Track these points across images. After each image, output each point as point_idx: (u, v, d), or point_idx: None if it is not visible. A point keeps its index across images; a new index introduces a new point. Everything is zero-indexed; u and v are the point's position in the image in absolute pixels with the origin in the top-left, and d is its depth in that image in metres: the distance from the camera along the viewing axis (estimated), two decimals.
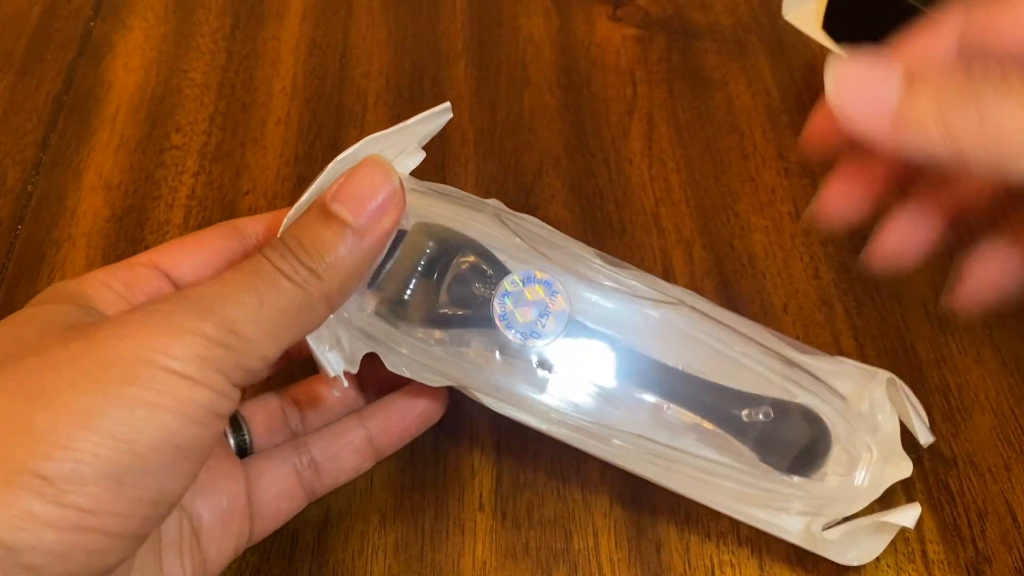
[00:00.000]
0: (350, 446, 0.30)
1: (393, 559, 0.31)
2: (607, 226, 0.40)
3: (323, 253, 0.24)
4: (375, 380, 0.31)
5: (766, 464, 0.30)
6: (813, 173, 0.42)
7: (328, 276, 0.24)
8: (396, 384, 0.30)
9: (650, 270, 0.38)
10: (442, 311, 0.29)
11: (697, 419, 0.30)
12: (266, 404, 0.31)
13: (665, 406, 0.30)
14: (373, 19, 0.49)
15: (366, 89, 0.45)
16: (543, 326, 0.29)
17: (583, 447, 0.29)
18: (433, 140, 0.43)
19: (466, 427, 0.34)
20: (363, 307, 0.29)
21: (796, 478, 0.30)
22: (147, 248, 0.39)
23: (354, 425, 0.30)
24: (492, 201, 0.31)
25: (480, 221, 0.30)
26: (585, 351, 0.30)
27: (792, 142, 0.44)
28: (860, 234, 0.40)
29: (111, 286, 0.26)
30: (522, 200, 0.41)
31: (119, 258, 0.38)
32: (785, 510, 0.30)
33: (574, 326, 0.30)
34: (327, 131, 0.44)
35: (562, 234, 0.31)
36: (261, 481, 0.28)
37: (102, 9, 0.49)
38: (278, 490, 0.29)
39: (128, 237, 0.39)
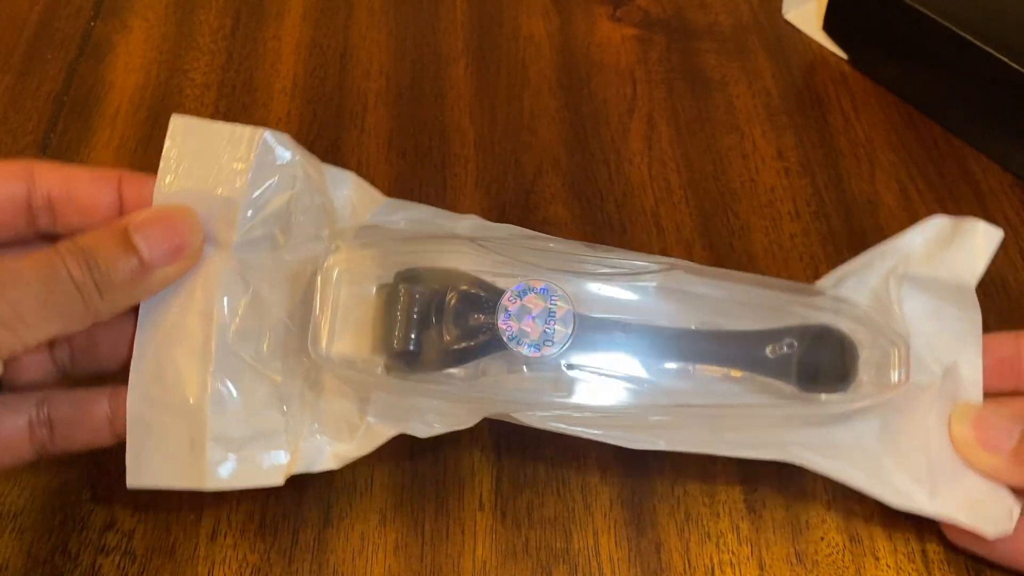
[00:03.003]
0: (89, 420, 0.29)
1: (393, 559, 0.31)
2: (607, 226, 0.40)
3: (111, 274, 0.26)
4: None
5: (808, 393, 0.30)
6: (812, 173, 0.42)
7: (107, 296, 0.26)
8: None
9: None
10: (453, 348, 0.29)
11: (725, 370, 0.31)
12: None
13: (691, 368, 0.30)
14: (373, 19, 0.49)
15: (366, 89, 0.45)
16: (553, 332, 0.29)
17: (629, 443, 0.30)
18: (433, 140, 0.44)
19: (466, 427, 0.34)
20: (375, 379, 0.29)
21: (835, 395, 0.30)
22: None
23: (102, 399, 0.29)
24: (469, 217, 0.31)
25: (458, 250, 0.30)
26: (601, 341, 0.30)
27: (792, 142, 0.44)
28: (860, 234, 0.40)
29: None
30: (522, 200, 0.41)
31: None
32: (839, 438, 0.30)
33: (582, 322, 0.30)
34: (327, 131, 0.44)
35: (542, 235, 0.32)
36: None
37: (102, 9, 0.49)
38: (6, 441, 0.28)
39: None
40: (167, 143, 0.29)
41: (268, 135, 0.29)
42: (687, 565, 0.31)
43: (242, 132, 0.29)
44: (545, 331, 0.29)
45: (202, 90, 0.45)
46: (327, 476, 0.33)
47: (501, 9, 0.50)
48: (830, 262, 0.39)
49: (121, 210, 0.29)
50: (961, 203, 0.41)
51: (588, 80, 0.46)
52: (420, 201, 0.40)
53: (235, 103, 0.45)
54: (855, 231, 0.40)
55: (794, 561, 0.31)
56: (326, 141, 0.43)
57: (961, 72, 0.42)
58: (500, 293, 0.29)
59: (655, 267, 0.31)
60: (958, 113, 0.44)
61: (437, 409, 0.30)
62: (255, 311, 0.29)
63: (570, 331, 0.29)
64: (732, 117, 0.45)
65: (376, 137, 0.43)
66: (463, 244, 0.31)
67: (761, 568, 0.31)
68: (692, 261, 0.39)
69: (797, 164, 0.43)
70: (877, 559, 0.31)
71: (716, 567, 0.31)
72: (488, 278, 0.30)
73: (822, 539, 0.32)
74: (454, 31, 0.49)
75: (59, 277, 0.25)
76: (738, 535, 0.32)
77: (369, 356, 0.29)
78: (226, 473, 0.28)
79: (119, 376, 0.29)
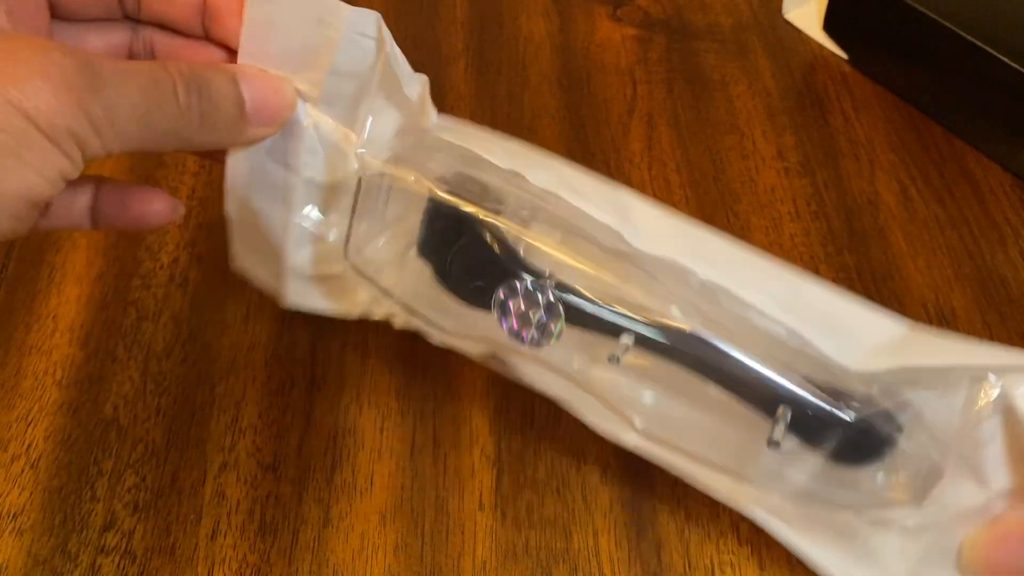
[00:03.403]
0: (75, 205, 0.29)
1: (393, 559, 0.31)
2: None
3: (218, 109, 0.26)
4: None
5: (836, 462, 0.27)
6: (813, 173, 0.42)
7: (205, 129, 0.26)
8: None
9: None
10: (473, 285, 0.30)
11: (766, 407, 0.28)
12: None
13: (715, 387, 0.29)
14: None
15: None
16: (546, 326, 0.29)
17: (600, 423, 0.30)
18: None
19: (466, 427, 0.34)
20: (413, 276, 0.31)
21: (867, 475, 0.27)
22: (147, 248, 0.39)
23: (88, 189, 0.29)
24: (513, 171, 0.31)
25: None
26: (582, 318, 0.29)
27: (792, 142, 0.44)
28: (860, 234, 0.40)
29: None
30: None
31: (120, 258, 0.39)
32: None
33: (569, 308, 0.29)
34: None
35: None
36: None
37: None
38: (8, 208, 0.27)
39: (128, 237, 0.39)
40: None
41: (363, 15, 0.29)
42: (687, 565, 0.31)
43: (337, 4, 0.29)
44: (542, 326, 0.29)
45: None
46: (327, 476, 0.33)
47: (501, 9, 0.50)
48: (830, 262, 0.39)
49: (204, 6, 0.29)
50: (961, 203, 0.41)
51: (588, 80, 0.46)
52: None
53: None
54: (855, 231, 0.40)
55: (794, 561, 0.31)
56: None
57: (961, 72, 0.42)
58: (513, 260, 0.30)
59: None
60: (958, 113, 0.44)
61: (454, 328, 0.31)
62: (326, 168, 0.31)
63: (559, 318, 0.29)
64: (732, 117, 0.45)
65: None
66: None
67: (761, 568, 0.31)
68: None
69: (797, 164, 0.43)
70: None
71: (716, 567, 0.31)
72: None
73: None
74: (454, 31, 0.49)
75: (165, 94, 0.25)
76: (738, 535, 0.32)
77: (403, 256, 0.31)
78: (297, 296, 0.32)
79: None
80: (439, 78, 0.46)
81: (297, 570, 0.31)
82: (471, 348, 0.32)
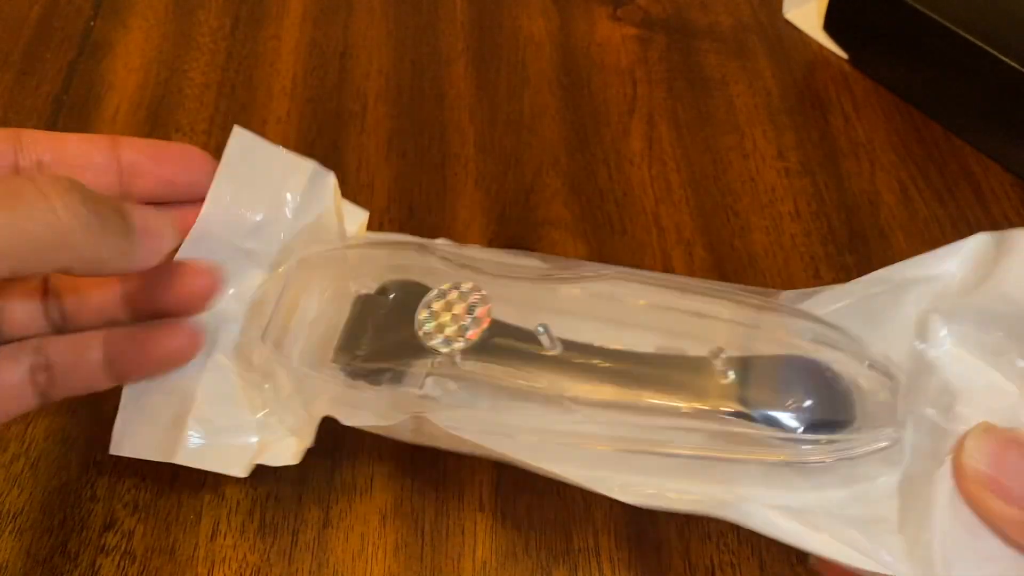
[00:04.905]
0: (87, 364, 0.29)
1: (393, 559, 0.31)
2: (607, 226, 0.40)
3: (104, 219, 0.23)
4: (143, 296, 0.30)
5: (796, 434, 0.26)
6: (813, 173, 0.42)
7: (93, 237, 0.23)
8: (161, 311, 0.29)
9: (650, 270, 0.38)
10: (377, 351, 0.30)
11: (672, 403, 0.27)
12: (26, 288, 0.29)
13: (633, 397, 0.28)
14: (373, 19, 0.49)
15: (366, 89, 0.45)
16: (467, 332, 0.29)
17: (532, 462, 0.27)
18: (433, 140, 0.44)
19: None
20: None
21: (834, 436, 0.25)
22: None
23: (95, 344, 0.29)
24: (439, 241, 0.33)
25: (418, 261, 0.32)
26: (521, 351, 0.29)
27: (792, 142, 0.44)
28: (860, 234, 0.40)
29: None
30: (522, 200, 0.41)
31: None
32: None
33: (503, 329, 0.29)
34: (327, 131, 0.44)
35: (520, 252, 0.32)
36: None
37: (102, 9, 0.49)
38: (9, 389, 0.28)
39: None
40: (228, 149, 0.30)
41: (318, 174, 0.31)
42: (687, 565, 0.31)
43: (298, 162, 0.31)
44: (461, 329, 0.29)
45: (202, 90, 0.45)
46: (327, 476, 0.33)
47: (501, 9, 0.50)
48: (830, 262, 0.39)
49: (120, 172, 0.28)
50: (961, 203, 0.41)
51: (588, 80, 0.46)
52: (420, 201, 0.40)
53: (235, 103, 0.45)
54: (855, 231, 0.40)
55: (794, 561, 0.31)
56: (326, 141, 0.43)
57: (961, 72, 0.42)
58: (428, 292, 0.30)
59: (593, 273, 0.30)
60: (958, 113, 0.44)
61: (371, 406, 0.30)
62: (256, 317, 0.31)
63: (486, 333, 0.29)
64: (732, 117, 0.45)
65: (376, 137, 0.43)
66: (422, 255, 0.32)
67: (761, 568, 0.31)
68: (692, 261, 0.39)
69: (797, 164, 0.43)
70: None
71: (716, 567, 0.31)
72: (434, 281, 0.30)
73: None
74: (454, 31, 0.49)
75: (32, 201, 0.22)
76: (738, 535, 0.32)
77: (328, 361, 0.30)
78: (195, 453, 0.29)
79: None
80: (439, 78, 0.46)
81: (297, 570, 0.31)
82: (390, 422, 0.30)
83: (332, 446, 0.33)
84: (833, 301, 0.28)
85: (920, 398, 0.26)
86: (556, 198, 0.41)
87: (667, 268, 0.39)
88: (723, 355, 0.27)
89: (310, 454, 0.33)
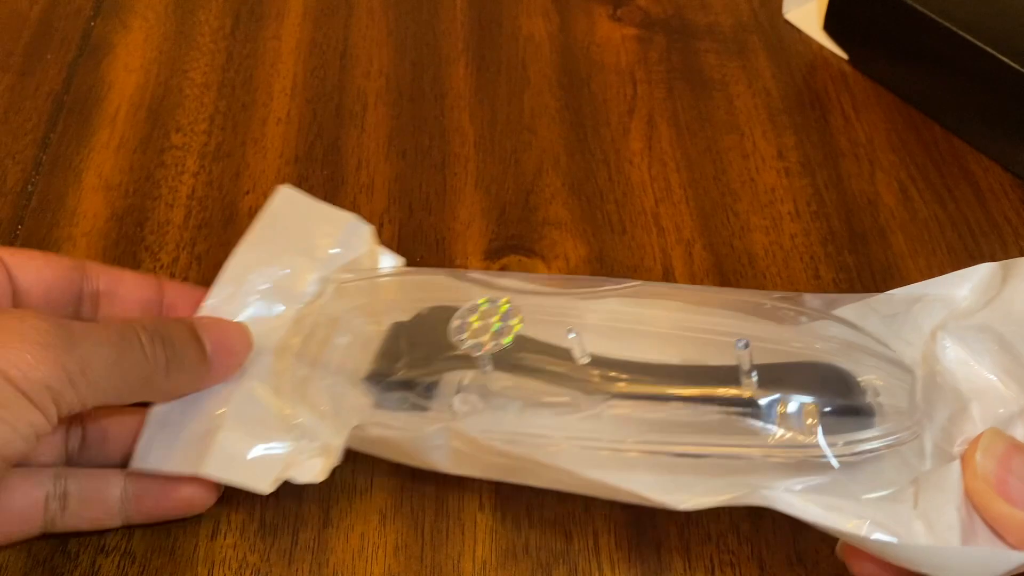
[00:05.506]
0: (102, 500, 0.30)
1: (393, 559, 0.31)
2: (607, 226, 0.40)
3: (183, 356, 0.28)
4: None
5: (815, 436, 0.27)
6: (813, 173, 0.42)
7: (172, 376, 0.28)
8: None
9: (650, 270, 0.39)
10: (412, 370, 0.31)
11: (699, 408, 0.29)
12: None
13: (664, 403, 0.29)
14: (373, 19, 0.49)
15: (366, 89, 0.45)
16: (499, 341, 0.30)
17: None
18: (433, 140, 0.44)
19: None
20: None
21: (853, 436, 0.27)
22: (147, 248, 0.39)
23: (116, 481, 0.30)
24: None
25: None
26: (548, 366, 0.30)
27: (792, 142, 0.44)
28: (860, 234, 0.40)
29: None
30: (522, 200, 0.41)
31: (119, 259, 0.39)
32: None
33: (529, 344, 0.30)
34: (327, 131, 0.44)
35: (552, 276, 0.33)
36: (11, 498, 0.28)
37: (102, 9, 0.49)
38: (20, 512, 0.28)
39: (128, 237, 0.39)
40: (270, 201, 0.34)
41: (356, 226, 0.34)
42: (687, 565, 0.31)
43: (338, 215, 0.34)
44: (494, 335, 0.30)
45: (202, 90, 0.45)
46: (327, 476, 0.33)
47: (501, 9, 0.50)
48: (830, 262, 0.39)
49: (161, 308, 0.32)
50: (961, 203, 0.41)
51: (588, 80, 0.46)
52: (420, 201, 0.40)
53: (235, 103, 0.45)
54: (855, 231, 0.40)
55: (794, 561, 0.31)
56: (326, 141, 0.43)
57: (961, 72, 0.42)
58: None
59: (615, 287, 0.31)
60: (958, 113, 0.44)
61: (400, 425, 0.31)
62: (288, 351, 0.32)
63: (516, 341, 0.30)
64: (732, 117, 0.45)
65: (376, 137, 0.43)
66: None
67: (761, 568, 0.31)
68: (692, 261, 0.39)
69: (797, 164, 0.43)
70: None
71: (716, 567, 0.31)
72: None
73: (822, 539, 0.32)
74: (454, 31, 0.49)
75: (132, 346, 0.26)
76: (738, 535, 0.32)
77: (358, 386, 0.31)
78: (221, 466, 0.29)
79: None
80: (439, 78, 0.46)
81: (297, 570, 0.31)
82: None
83: None
84: (855, 315, 0.30)
85: (934, 402, 0.27)
86: (556, 198, 0.41)
87: (667, 268, 0.39)
88: (747, 352, 0.28)
89: None
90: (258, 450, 0.30)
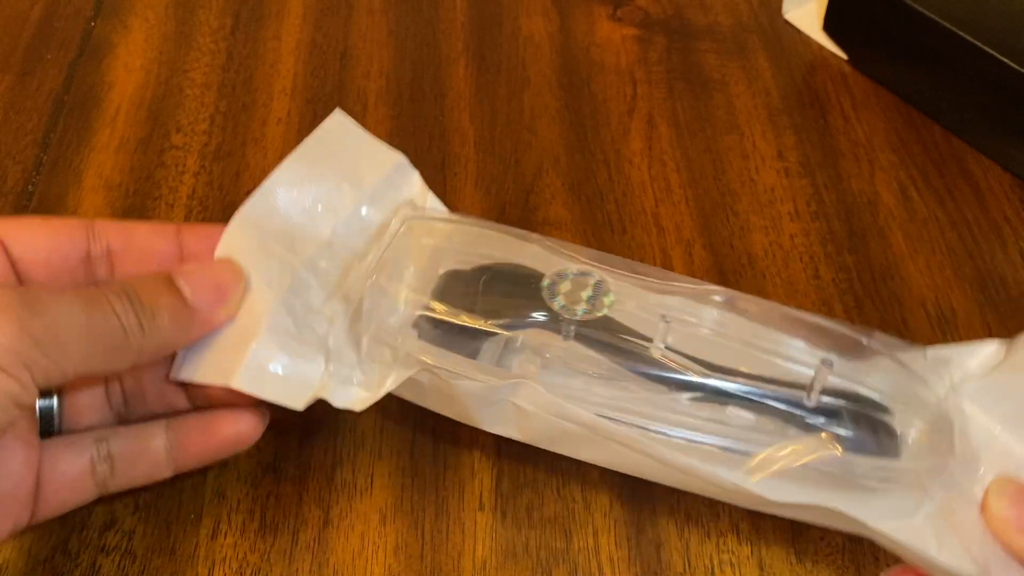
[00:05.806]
0: (147, 454, 0.29)
1: (393, 559, 0.31)
2: (607, 226, 0.40)
3: (155, 312, 0.26)
4: (203, 390, 0.30)
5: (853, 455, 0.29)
6: (812, 173, 0.42)
7: (150, 335, 0.26)
8: (222, 401, 0.30)
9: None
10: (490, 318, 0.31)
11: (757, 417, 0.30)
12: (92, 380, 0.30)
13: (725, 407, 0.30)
14: (373, 19, 0.49)
15: (366, 89, 0.46)
16: (590, 308, 0.30)
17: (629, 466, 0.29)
18: (433, 140, 0.44)
19: (466, 427, 0.34)
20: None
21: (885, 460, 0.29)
22: None
23: (158, 432, 0.29)
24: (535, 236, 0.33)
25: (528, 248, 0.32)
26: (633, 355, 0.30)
27: (792, 142, 0.44)
28: (860, 234, 0.40)
29: None
30: (522, 200, 0.41)
31: None
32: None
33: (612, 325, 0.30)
34: None
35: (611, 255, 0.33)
36: (56, 468, 0.28)
37: (102, 9, 0.49)
38: (70, 480, 0.28)
39: None
40: (321, 126, 0.33)
41: (405, 169, 0.33)
42: (687, 565, 0.31)
43: (387, 152, 0.33)
44: (588, 301, 0.30)
45: (202, 90, 0.45)
46: (327, 476, 0.33)
47: (501, 9, 0.50)
48: (830, 262, 0.39)
49: (181, 259, 0.30)
50: (960, 203, 0.41)
51: (588, 80, 0.46)
52: None
53: (235, 103, 0.45)
54: (855, 231, 0.40)
55: (794, 561, 0.31)
56: None
57: (961, 72, 0.42)
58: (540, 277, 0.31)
59: (695, 286, 0.31)
60: (958, 113, 0.44)
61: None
62: (330, 267, 0.31)
63: (603, 318, 0.30)
64: (732, 117, 0.45)
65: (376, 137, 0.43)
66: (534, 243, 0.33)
67: (761, 568, 0.31)
68: (692, 261, 0.39)
69: (797, 164, 0.43)
70: (877, 559, 0.31)
71: (716, 567, 0.31)
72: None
73: (822, 539, 0.32)
74: (454, 31, 0.49)
75: (103, 309, 0.25)
76: (738, 535, 0.32)
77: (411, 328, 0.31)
78: (253, 379, 0.28)
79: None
80: (439, 78, 0.46)
81: (297, 570, 0.31)
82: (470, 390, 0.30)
83: (332, 445, 0.33)
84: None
85: (951, 450, 0.29)
86: (556, 198, 0.41)
87: (667, 268, 0.39)
88: (826, 371, 0.29)
89: (310, 453, 0.33)
90: (293, 366, 0.28)
